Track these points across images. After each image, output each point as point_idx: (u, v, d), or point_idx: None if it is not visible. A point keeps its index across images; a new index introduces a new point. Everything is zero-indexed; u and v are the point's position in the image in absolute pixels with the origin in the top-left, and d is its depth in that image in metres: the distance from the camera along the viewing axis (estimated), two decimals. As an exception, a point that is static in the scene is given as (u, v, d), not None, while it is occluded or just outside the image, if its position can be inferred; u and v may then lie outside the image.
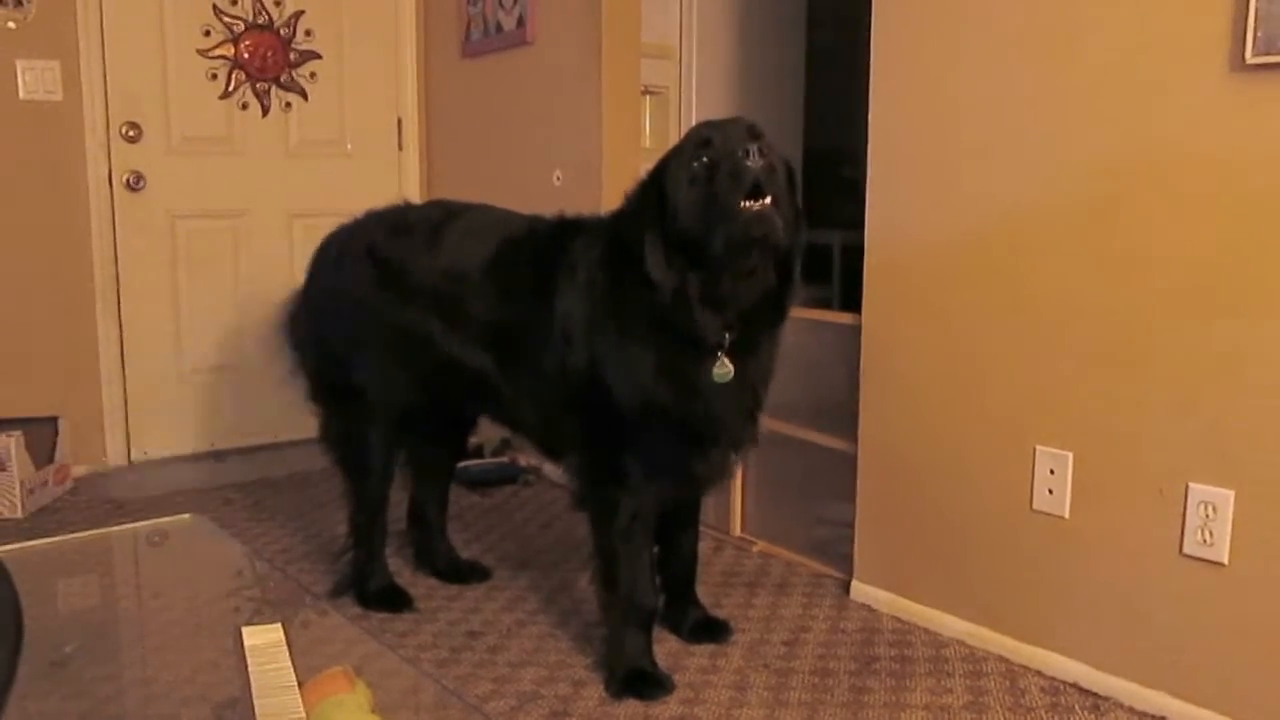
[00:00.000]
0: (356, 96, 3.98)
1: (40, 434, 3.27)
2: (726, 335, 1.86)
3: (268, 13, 3.79)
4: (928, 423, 2.31)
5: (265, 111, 3.82)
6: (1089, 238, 1.99)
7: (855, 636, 2.30)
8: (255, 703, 1.08)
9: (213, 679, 1.51)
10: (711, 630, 2.28)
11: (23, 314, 3.41)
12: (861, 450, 2.46)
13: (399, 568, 2.60)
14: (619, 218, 1.98)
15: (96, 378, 3.57)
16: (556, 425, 2.13)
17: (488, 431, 3.10)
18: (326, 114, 3.94)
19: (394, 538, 2.60)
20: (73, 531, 2.80)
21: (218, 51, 3.71)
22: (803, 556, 2.76)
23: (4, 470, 3.07)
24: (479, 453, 3.55)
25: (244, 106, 3.78)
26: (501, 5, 3.54)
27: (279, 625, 1.20)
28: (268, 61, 3.81)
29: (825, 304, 3.53)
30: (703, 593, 2.37)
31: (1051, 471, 2.08)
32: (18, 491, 3.09)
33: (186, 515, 2.29)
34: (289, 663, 1.15)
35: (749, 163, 1.70)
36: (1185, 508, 1.88)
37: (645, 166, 1.96)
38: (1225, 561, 1.83)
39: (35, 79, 3.35)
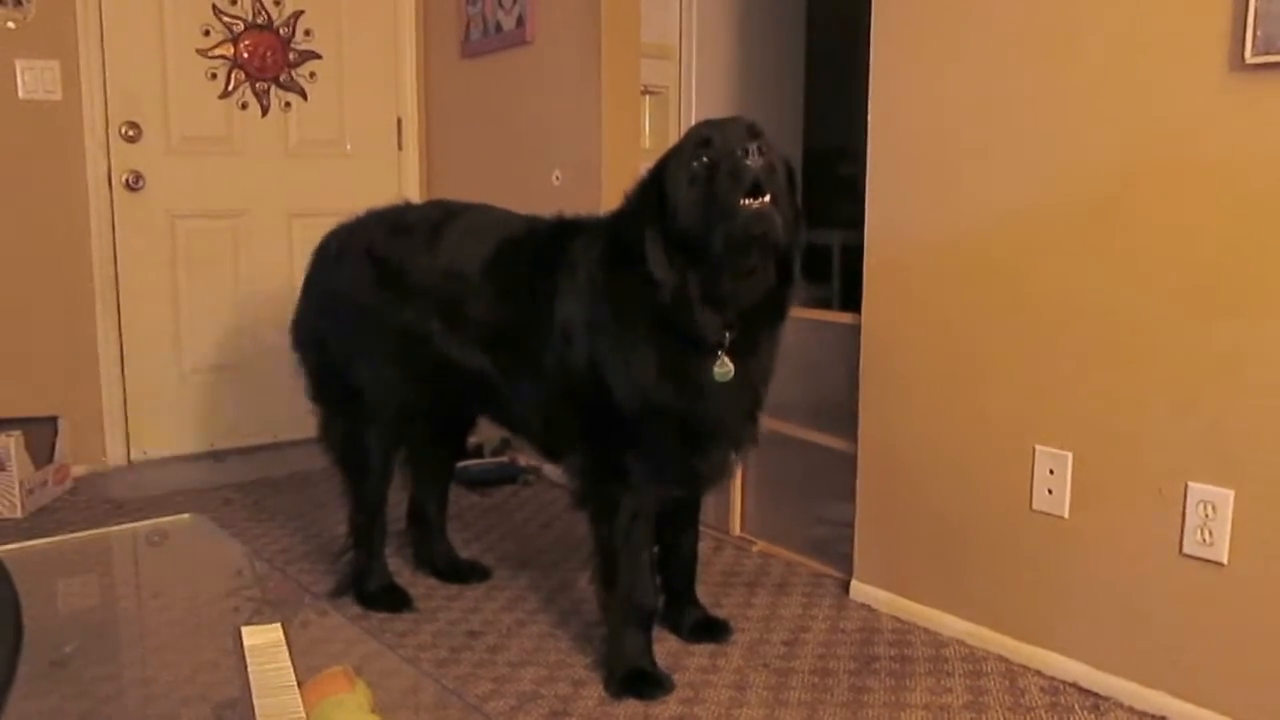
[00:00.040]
0: (356, 96, 3.98)
1: (40, 434, 3.26)
2: (727, 334, 1.86)
3: (267, 12, 3.79)
4: (928, 422, 2.31)
5: (265, 111, 3.82)
6: (1089, 237, 1.99)
7: (855, 636, 2.30)
8: (255, 702, 1.08)
9: (212, 679, 1.51)
10: (711, 630, 2.28)
11: (22, 314, 3.41)
12: (861, 450, 2.46)
13: (399, 567, 2.60)
14: (619, 217, 1.98)
15: (96, 377, 3.57)
16: (556, 425, 2.12)
17: (488, 431, 3.10)
18: (326, 114, 3.94)
19: (394, 538, 2.60)
20: (72, 531, 2.80)
21: (217, 51, 3.71)
22: (802, 556, 2.76)
23: (3, 470, 3.07)
24: (479, 453, 3.55)
25: (243, 106, 3.78)
26: (501, 5, 3.54)
27: (279, 625, 1.20)
28: (267, 61, 3.81)
29: (825, 304, 3.53)
30: (702, 592, 2.37)
31: (1051, 471, 2.08)
32: (17, 491, 3.08)
33: (186, 515, 2.29)
34: (289, 662, 1.15)
35: (749, 162, 1.70)
36: (1185, 507, 1.88)
37: (645, 166, 1.96)
38: (1225, 561, 1.83)
39: (35, 78, 3.35)
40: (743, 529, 2.96)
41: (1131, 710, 1.96)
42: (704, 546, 2.51)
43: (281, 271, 3.70)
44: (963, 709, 1.97)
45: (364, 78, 3.99)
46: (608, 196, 2.99)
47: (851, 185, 2.68)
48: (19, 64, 3.32)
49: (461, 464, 3.00)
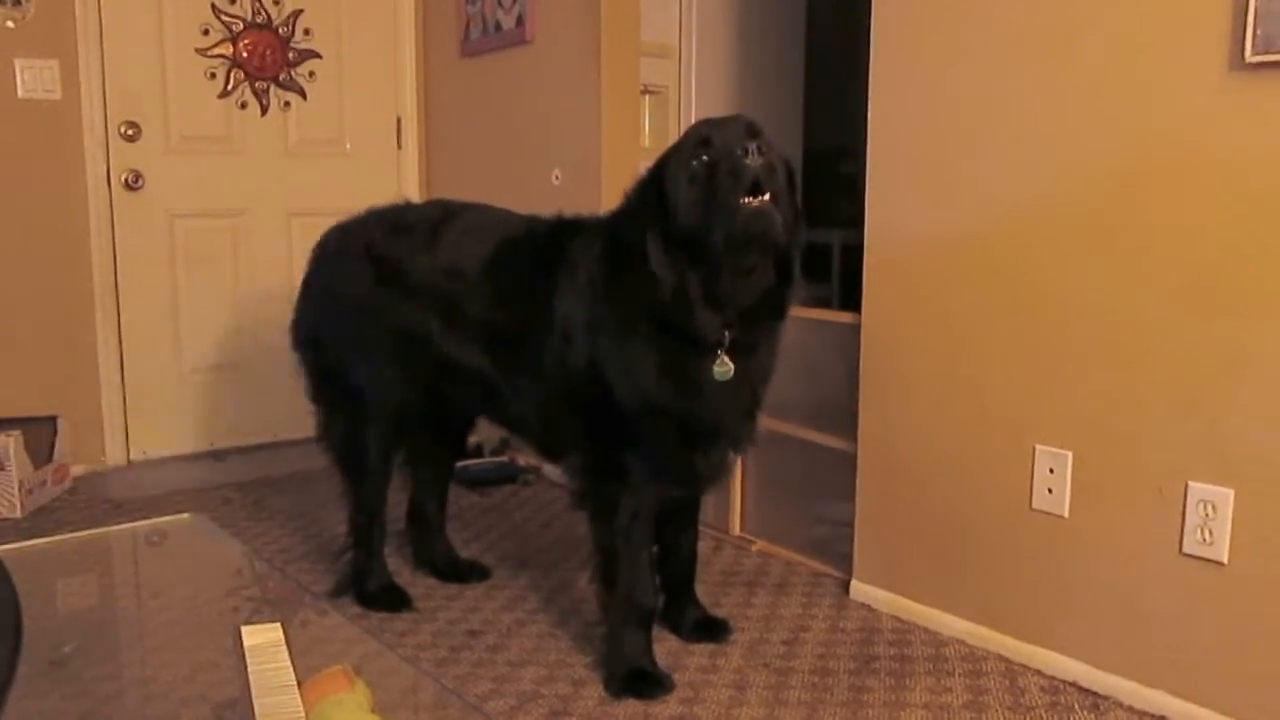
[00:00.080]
0: (355, 95, 3.98)
1: (39, 433, 3.26)
2: (726, 334, 1.86)
3: (266, 12, 3.79)
4: (927, 422, 2.31)
5: (264, 110, 3.82)
6: (1089, 237, 1.99)
7: (855, 636, 2.30)
8: (255, 702, 1.08)
9: (212, 679, 1.51)
10: (711, 629, 2.28)
11: (21, 313, 3.40)
12: (861, 449, 2.46)
13: (398, 567, 2.60)
14: (618, 216, 1.98)
15: (95, 377, 3.57)
16: (555, 425, 2.12)
17: (487, 431, 3.10)
18: (325, 113, 3.94)
19: (393, 537, 2.60)
20: (72, 531, 2.80)
21: (216, 50, 3.71)
22: (802, 556, 2.76)
23: (3, 470, 3.06)
24: (478, 452, 3.55)
25: (243, 105, 3.78)
26: (500, 4, 3.54)
27: (278, 625, 1.20)
28: (266, 60, 3.81)
29: (825, 303, 3.52)
30: (702, 592, 2.37)
31: (1051, 471, 2.08)
32: (16, 491, 3.08)
33: (186, 515, 2.29)
34: (288, 662, 1.14)
35: (748, 160, 1.70)
36: (1185, 507, 1.88)
37: (644, 166, 1.96)
38: (1225, 560, 1.83)
39: (34, 78, 3.35)
40: (742, 528, 2.96)
41: (1131, 710, 1.96)
42: (704, 546, 2.51)
43: (281, 271, 3.70)
44: (963, 708, 1.97)
45: (363, 77, 3.99)
46: (607, 196, 2.98)
47: (851, 184, 2.68)
48: (18, 63, 3.32)
49: (461, 464, 3.00)
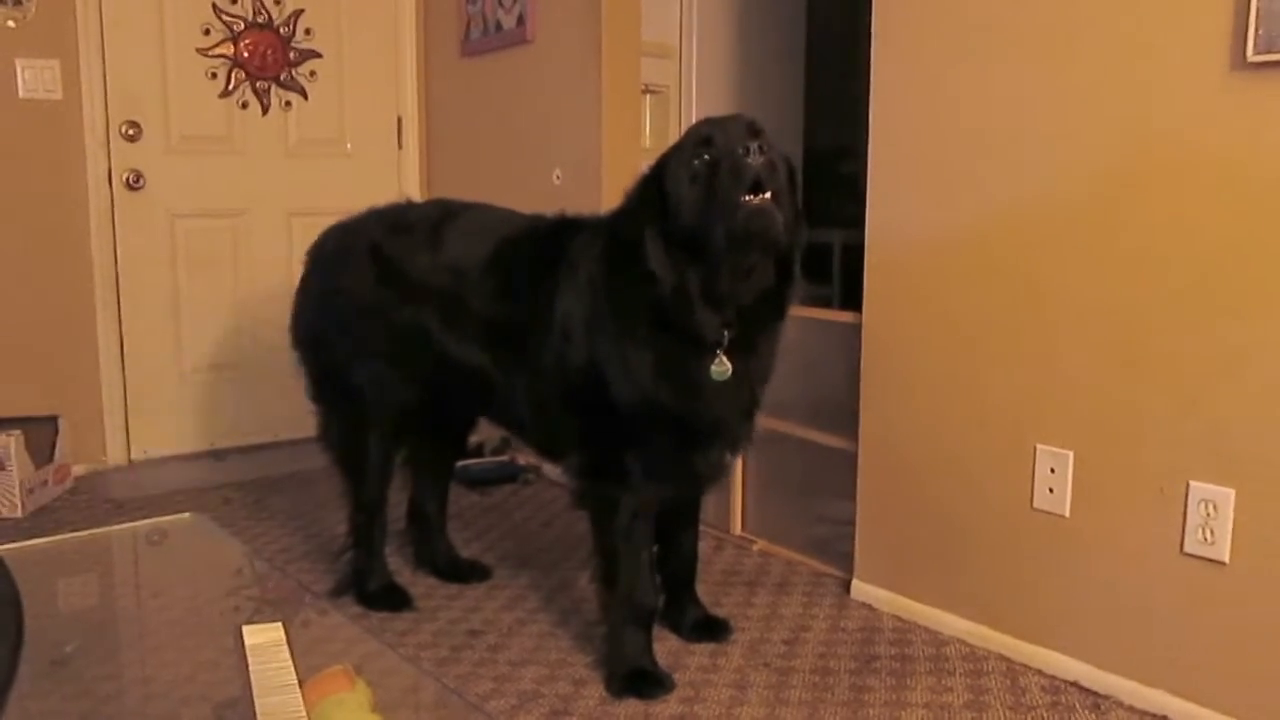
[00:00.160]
0: (356, 95, 3.98)
1: (40, 433, 3.26)
2: (725, 333, 1.86)
3: (267, 11, 3.79)
4: (928, 421, 2.31)
5: (265, 110, 3.82)
6: (1089, 237, 1.99)
7: (855, 635, 2.30)
8: (256, 702, 1.08)
9: (213, 678, 1.51)
10: (711, 629, 2.28)
11: (22, 313, 3.41)
12: (862, 449, 2.46)
13: (399, 567, 2.60)
14: (619, 216, 1.97)
15: (96, 377, 3.57)
16: (555, 424, 2.12)
17: (488, 431, 3.10)
18: (326, 113, 3.94)
19: (394, 537, 2.60)
20: (73, 531, 2.80)
21: (217, 50, 3.71)
22: (803, 555, 2.76)
23: (4, 470, 3.06)
24: (479, 452, 3.55)
25: (244, 105, 3.78)
26: (501, 4, 3.54)
27: (279, 624, 1.20)
28: (267, 60, 3.81)
29: (825, 302, 3.52)
30: (703, 591, 2.36)
31: (1052, 470, 2.08)
32: (17, 491, 3.08)
33: (186, 514, 2.30)
34: (289, 662, 1.15)
35: (749, 159, 1.70)
36: (1186, 506, 1.88)
37: (645, 165, 1.95)
38: (1226, 560, 1.83)
39: (35, 78, 3.35)
40: (743, 528, 2.96)
41: (1132, 709, 1.96)
42: (704, 546, 2.51)
43: (281, 270, 3.70)
44: (963, 708, 1.97)
45: (364, 77, 3.99)
46: (608, 195, 2.98)
47: (852, 184, 2.68)
48: (19, 63, 3.32)
49: (461, 463, 3.00)
